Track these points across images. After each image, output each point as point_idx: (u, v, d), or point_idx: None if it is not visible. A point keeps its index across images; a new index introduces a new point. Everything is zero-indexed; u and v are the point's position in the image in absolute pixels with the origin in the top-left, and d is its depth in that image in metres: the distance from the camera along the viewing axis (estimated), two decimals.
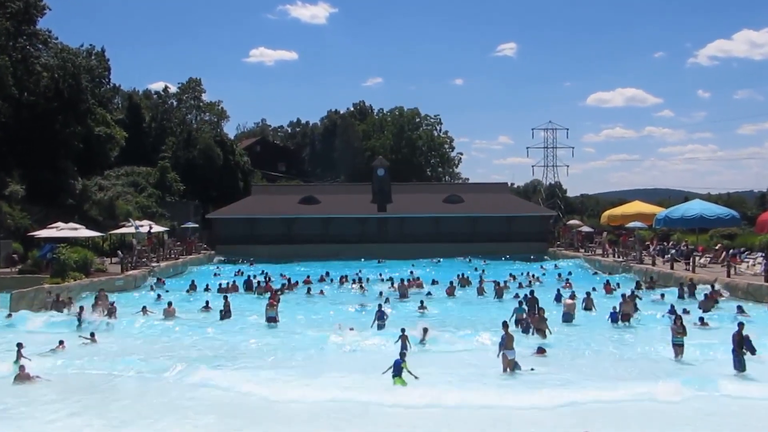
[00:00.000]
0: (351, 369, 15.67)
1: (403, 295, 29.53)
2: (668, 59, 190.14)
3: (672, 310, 21.91)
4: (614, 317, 22.25)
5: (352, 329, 20.10)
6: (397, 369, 14.30)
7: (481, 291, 30.09)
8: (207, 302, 26.47)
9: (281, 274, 35.65)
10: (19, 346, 16.54)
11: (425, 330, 19.10)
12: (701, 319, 21.01)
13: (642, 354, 17.84)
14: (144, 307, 25.04)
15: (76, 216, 40.33)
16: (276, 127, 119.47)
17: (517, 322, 20.99)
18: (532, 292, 25.95)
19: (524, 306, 22.51)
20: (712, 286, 26.58)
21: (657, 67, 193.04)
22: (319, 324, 22.24)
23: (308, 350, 18.37)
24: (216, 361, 17.06)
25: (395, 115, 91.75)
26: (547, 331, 19.34)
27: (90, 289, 28.72)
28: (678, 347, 17.02)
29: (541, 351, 17.62)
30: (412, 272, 37.38)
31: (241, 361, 17.07)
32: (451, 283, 31.75)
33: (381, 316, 22.11)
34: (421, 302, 24.63)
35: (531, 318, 21.62)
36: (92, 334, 20.16)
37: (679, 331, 17.09)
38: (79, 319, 22.43)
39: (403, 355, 14.72)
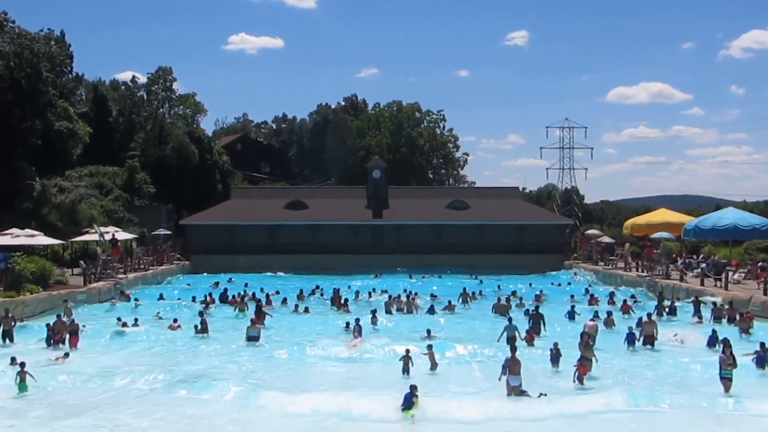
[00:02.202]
0: None
1: (408, 311, 30.12)
2: (698, 51, 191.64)
3: (713, 336, 21.59)
4: (631, 339, 21.94)
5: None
6: (407, 402, 14.65)
7: (498, 308, 30.14)
8: (175, 319, 26.70)
9: (261, 290, 35.84)
10: (22, 365, 16.68)
11: (429, 347, 19.27)
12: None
13: (689, 392, 16.67)
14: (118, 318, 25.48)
15: (33, 221, 40.32)
16: (259, 123, 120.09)
17: (508, 340, 21.37)
18: (537, 308, 26.27)
19: (514, 323, 22.76)
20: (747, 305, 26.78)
21: (685, 59, 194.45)
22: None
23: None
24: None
25: (393, 110, 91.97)
26: (593, 359, 18.11)
27: (48, 304, 28.72)
28: (726, 381, 16.14)
29: (583, 367, 17.21)
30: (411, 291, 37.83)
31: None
32: (449, 302, 31.98)
33: (359, 330, 22.73)
34: (428, 330, 24.37)
35: (528, 336, 22.24)
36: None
37: (728, 362, 16.10)
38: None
39: (413, 387, 14.87)
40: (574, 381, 17.28)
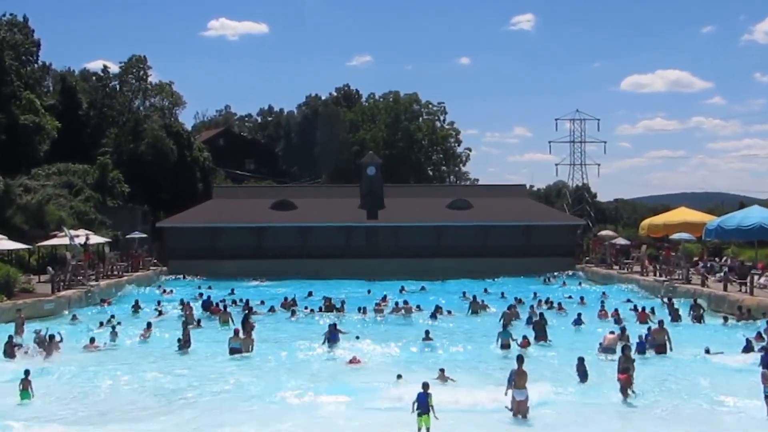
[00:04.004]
0: None
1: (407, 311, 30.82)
2: (719, 35, 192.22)
3: (748, 345, 21.63)
4: (641, 347, 21.95)
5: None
6: (423, 405, 14.48)
7: (509, 317, 30.01)
8: (149, 324, 26.90)
9: (241, 300, 35.91)
10: (27, 373, 17.02)
11: (442, 371, 18.88)
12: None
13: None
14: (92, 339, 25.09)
15: None
16: (243, 116, 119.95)
17: (502, 348, 22.42)
18: (541, 315, 26.79)
19: (509, 330, 23.52)
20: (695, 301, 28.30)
21: (705, 44, 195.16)
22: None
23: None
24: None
25: (389, 101, 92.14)
26: (633, 374, 17.64)
27: (11, 315, 28.47)
28: None
29: (625, 378, 17.05)
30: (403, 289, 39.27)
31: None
32: (449, 311, 32.09)
33: (333, 336, 23.04)
34: (426, 332, 24.70)
35: (523, 342, 22.52)
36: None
37: None
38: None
39: (425, 386, 14.68)
40: (624, 395, 17.01)
